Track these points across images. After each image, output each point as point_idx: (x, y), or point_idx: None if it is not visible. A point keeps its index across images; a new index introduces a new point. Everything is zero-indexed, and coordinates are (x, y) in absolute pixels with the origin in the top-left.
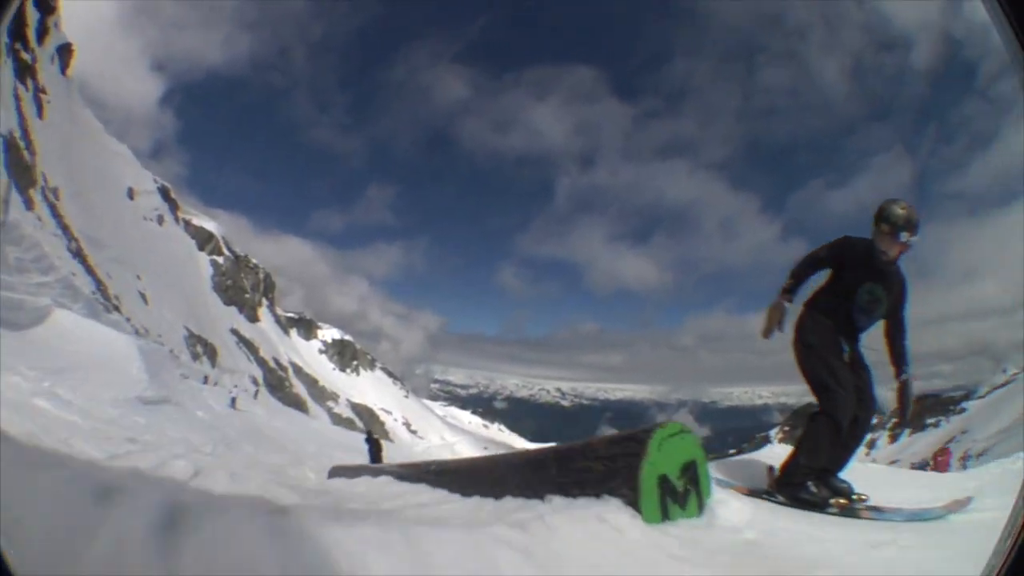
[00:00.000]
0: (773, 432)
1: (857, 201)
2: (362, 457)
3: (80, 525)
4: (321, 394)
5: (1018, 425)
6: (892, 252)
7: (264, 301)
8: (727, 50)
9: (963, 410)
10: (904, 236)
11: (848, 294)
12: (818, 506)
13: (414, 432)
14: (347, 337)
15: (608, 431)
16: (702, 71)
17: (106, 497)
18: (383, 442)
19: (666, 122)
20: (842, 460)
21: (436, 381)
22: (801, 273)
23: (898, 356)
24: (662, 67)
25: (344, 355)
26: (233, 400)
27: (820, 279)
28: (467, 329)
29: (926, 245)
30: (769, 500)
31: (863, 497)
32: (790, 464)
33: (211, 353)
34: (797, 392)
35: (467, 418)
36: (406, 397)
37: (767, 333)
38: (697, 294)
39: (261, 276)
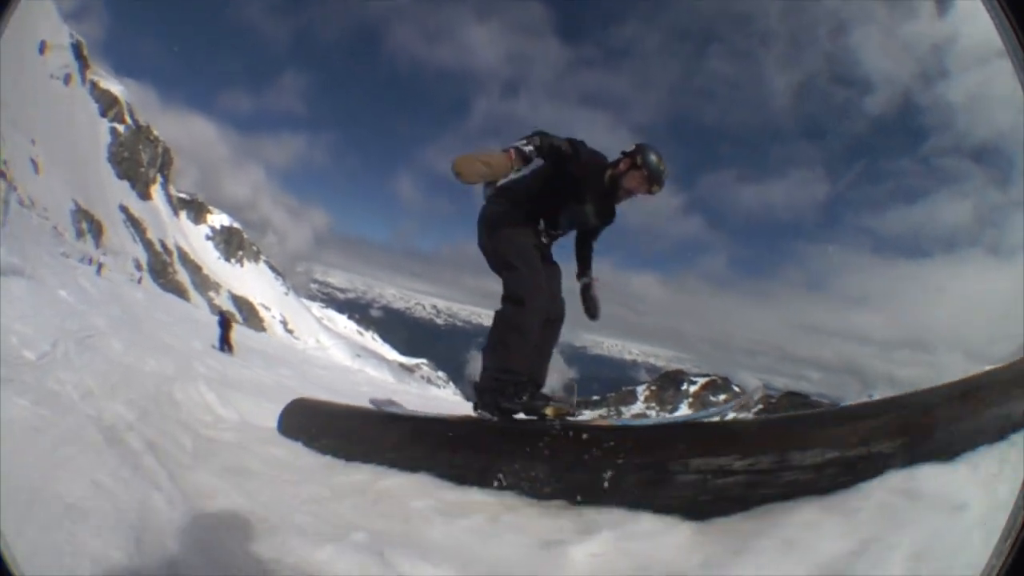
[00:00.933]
0: (640, 389)
1: (764, 201)
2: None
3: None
4: (204, 283)
5: None
6: (632, 193)
7: (159, 178)
8: (685, 29)
9: None
10: (654, 189)
11: (564, 199)
12: (526, 414)
13: (290, 332)
14: (235, 224)
15: (477, 356)
16: (653, 39)
17: None
18: (235, 324)
19: (601, 75)
20: (544, 367)
21: (316, 281)
22: (542, 150)
23: (587, 263)
24: (615, 23)
25: (231, 244)
26: (99, 267)
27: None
28: (354, 232)
29: (827, 261)
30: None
31: (564, 402)
32: (489, 362)
33: (97, 231)
34: (666, 356)
35: (343, 323)
36: (286, 294)
37: (466, 176)
38: None
39: (160, 150)
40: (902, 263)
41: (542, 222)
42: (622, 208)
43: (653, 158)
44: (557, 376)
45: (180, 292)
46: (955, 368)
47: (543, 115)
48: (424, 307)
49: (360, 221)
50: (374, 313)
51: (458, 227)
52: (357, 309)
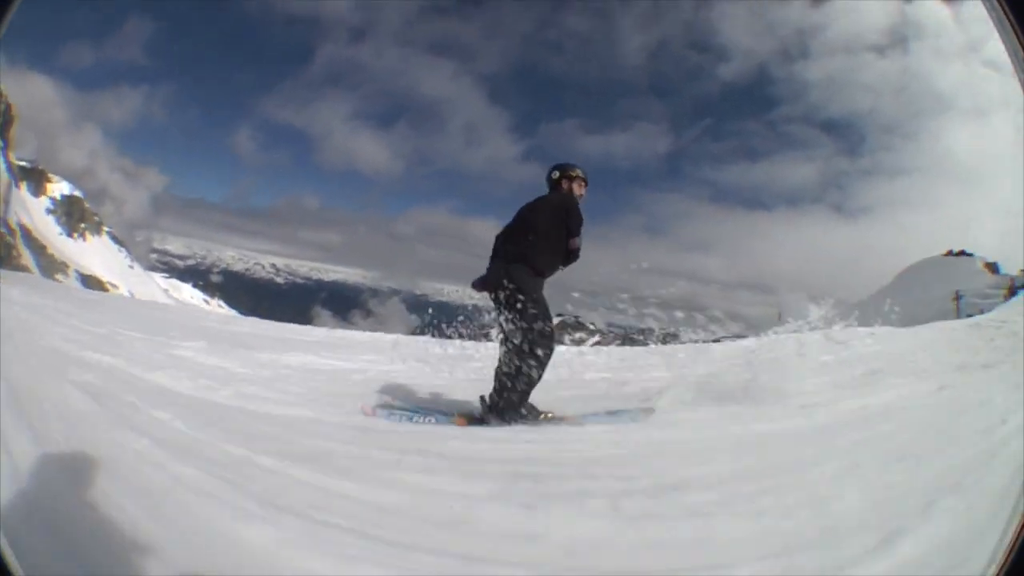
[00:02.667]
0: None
1: (607, 150)
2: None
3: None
4: (50, 264)
5: None
6: (580, 197)
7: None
8: None
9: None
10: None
11: (568, 241)
12: (530, 421)
13: None
14: (76, 193)
15: (322, 312)
16: None
17: None
18: None
19: (451, 22)
20: (531, 386)
21: (155, 250)
22: (518, 235)
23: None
24: None
25: (72, 216)
26: None
27: None
28: (191, 193)
29: (665, 209)
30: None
31: (551, 414)
32: (499, 392)
33: None
34: None
35: (189, 292)
36: (131, 267)
37: (491, 285)
38: (424, 188)
39: (1, 108)
40: (742, 214)
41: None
42: (463, 155)
43: (575, 168)
44: (404, 326)
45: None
46: (799, 307)
47: (388, 61)
48: (264, 267)
49: (197, 180)
50: (214, 278)
51: (293, 179)
52: (199, 276)
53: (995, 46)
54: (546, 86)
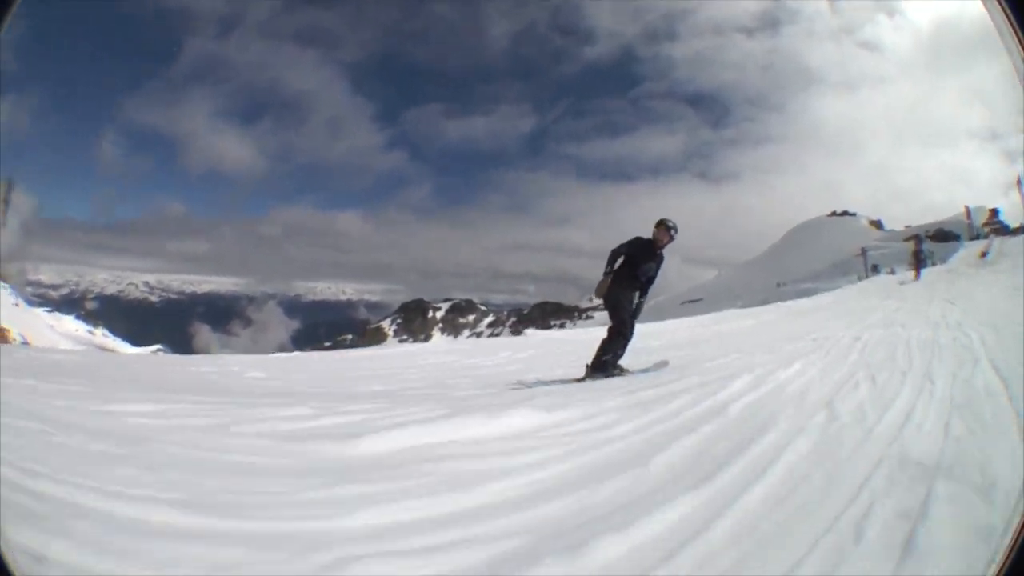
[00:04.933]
0: (386, 324)
1: (469, 133)
2: None
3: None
4: None
5: None
6: (663, 241)
7: None
8: None
9: (591, 317)
10: (674, 234)
11: (643, 267)
12: (614, 376)
13: None
14: None
15: (202, 327)
16: None
17: None
18: None
19: (315, 11)
20: (621, 354)
21: (29, 283)
22: (612, 260)
23: (645, 294)
24: None
25: None
26: None
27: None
28: (56, 212)
29: (529, 187)
30: (587, 380)
31: (627, 369)
32: (599, 359)
33: None
34: (379, 290)
35: (73, 325)
36: (16, 305)
37: (598, 295)
38: (287, 185)
39: None
40: (607, 186)
41: (636, 284)
42: (326, 148)
43: (667, 221)
44: (284, 329)
45: None
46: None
47: (253, 53)
48: (137, 286)
49: (62, 197)
50: (89, 305)
51: (158, 187)
52: (74, 305)
53: (872, 30)
54: (408, 74)
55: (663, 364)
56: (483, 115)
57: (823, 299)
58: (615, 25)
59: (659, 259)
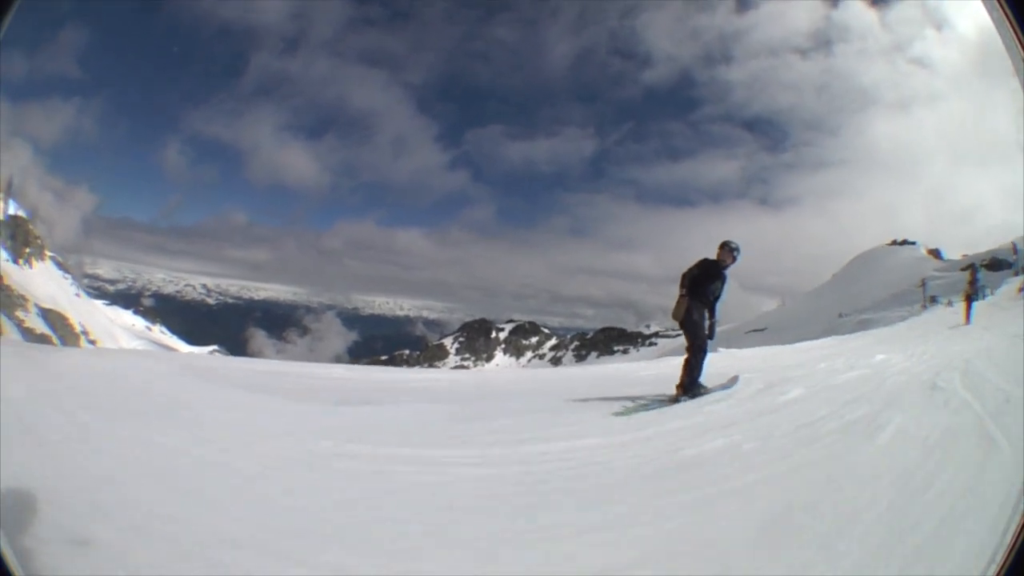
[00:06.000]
0: (448, 342)
1: (531, 155)
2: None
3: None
4: (8, 300)
5: None
6: (727, 262)
7: None
8: None
9: (654, 344)
10: (737, 255)
11: (710, 287)
12: (700, 395)
13: (93, 343)
14: (20, 212)
15: (258, 332)
16: (439, 4)
17: None
18: None
19: (379, 34)
20: (698, 374)
21: (86, 275)
22: (685, 282)
23: (713, 312)
24: None
25: (17, 239)
26: None
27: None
28: (118, 212)
29: (591, 211)
30: (682, 400)
31: (708, 388)
32: (687, 379)
33: None
34: (438, 308)
35: (131, 319)
36: (77, 296)
37: (676, 317)
38: (351, 201)
39: None
40: (667, 211)
41: (708, 302)
42: (389, 166)
43: (731, 242)
44: (342, 340)
45: None
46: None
47: (316, 72)
48: (194, 287)
49: (125, 199)
50: (146, 302)
51: (221, 195)
52: (130, 300)
53: (921, 46)
54: (472, 95)
55: (734, 380)
56: (545, 137)
57: (876, 334)
58: (672, 48)
59: (724, 279)
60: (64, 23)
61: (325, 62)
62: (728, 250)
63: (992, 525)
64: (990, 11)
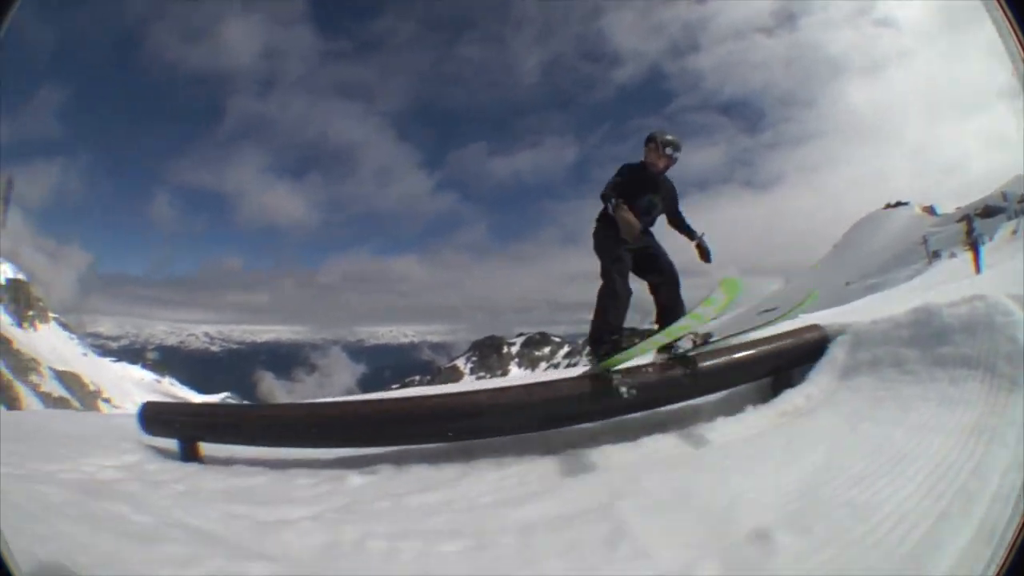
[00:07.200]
0: (460, 362)
1: (515, 169)
2: None
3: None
4: (20, 365)
5: None
6: (660, 165)
7: None
8: (440, 18)
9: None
10: (668, 151)
11: (641, 203)
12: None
13: (107, 400)
14: (20, 275)
15: (265, 375)
16: (407, 29)
17: None
18: None
19: (350, 65)
20: (623, 317)
21: (90, 334)
22: (612, 192)
23: (688, 232)
24: (367, 19)
25: (19, 302)
26: None
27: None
28: (114, 268)
29: (577, 217)
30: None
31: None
32: (592, 327)
33: None
34: (440, 331)
35: (139, 374)
36: (84, 355)
37: (636, 228)
38: (342, 235)
39: None
40: None
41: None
42: (376, 196)
43: (656, 134)
44: (349, 374)
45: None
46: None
47: (295, 110)
48: (197, 336)
49: (118, 254)
50: (151, 355)
51: (211, 243)
52: (133, 355)
53: (884, 6)
54: (449, 117)
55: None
56: (527, 149)
57: (887, 296)
58: (638, 44)
59: (664, 188)
60: (39, 84)
61: (300, 100)
62: (655, 146)
63: (992, 525)
64: (990, 11)
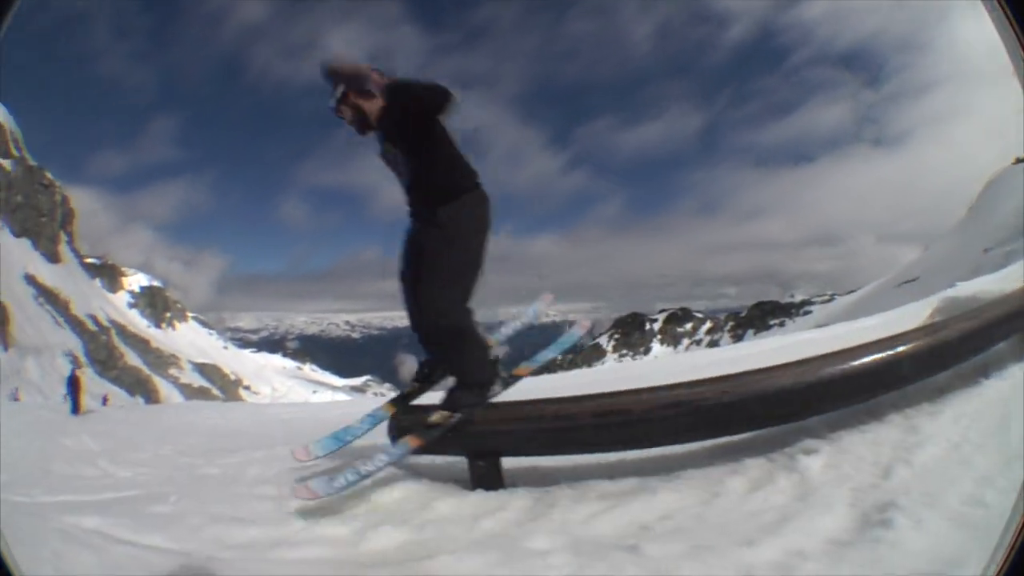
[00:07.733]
0: (603, 340)
1: (643, 141)
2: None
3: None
4: (159, 361)
5: None
6: (346, 116)
7: (63, 235)
8: (539, 1)
9: (809, 312)
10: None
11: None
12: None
13: (247, 387)
14: (156, 283)
15: (407, 358)
16: (507, 16)
17: None
18: (83, 380)
19: (462, 57)
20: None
21: (229, 329)
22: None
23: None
24: (466, 10)
25: (156, 306)
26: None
27: None
28: (251, 269)
29: (710, 186)
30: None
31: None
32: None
33: (1, 318)
34: (583, 309)
35: (280, 363)
36: (225, 348)
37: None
38: None
39: (58, 199)
40: (788, 170)
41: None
42: (509, 178)
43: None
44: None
45: (140, 383)
46: (869, 251)
47: None
48: (337, 325)
49: (254, 256)
50: (291, 345)
51: (347, 237)
52: (274, 346)
53: None
54: (568, 95)
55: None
56: (652, 120)
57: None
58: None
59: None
60: (149, 115)
61: None
62: (326, 76)
63: (992, 525)
64: (990, 11)
